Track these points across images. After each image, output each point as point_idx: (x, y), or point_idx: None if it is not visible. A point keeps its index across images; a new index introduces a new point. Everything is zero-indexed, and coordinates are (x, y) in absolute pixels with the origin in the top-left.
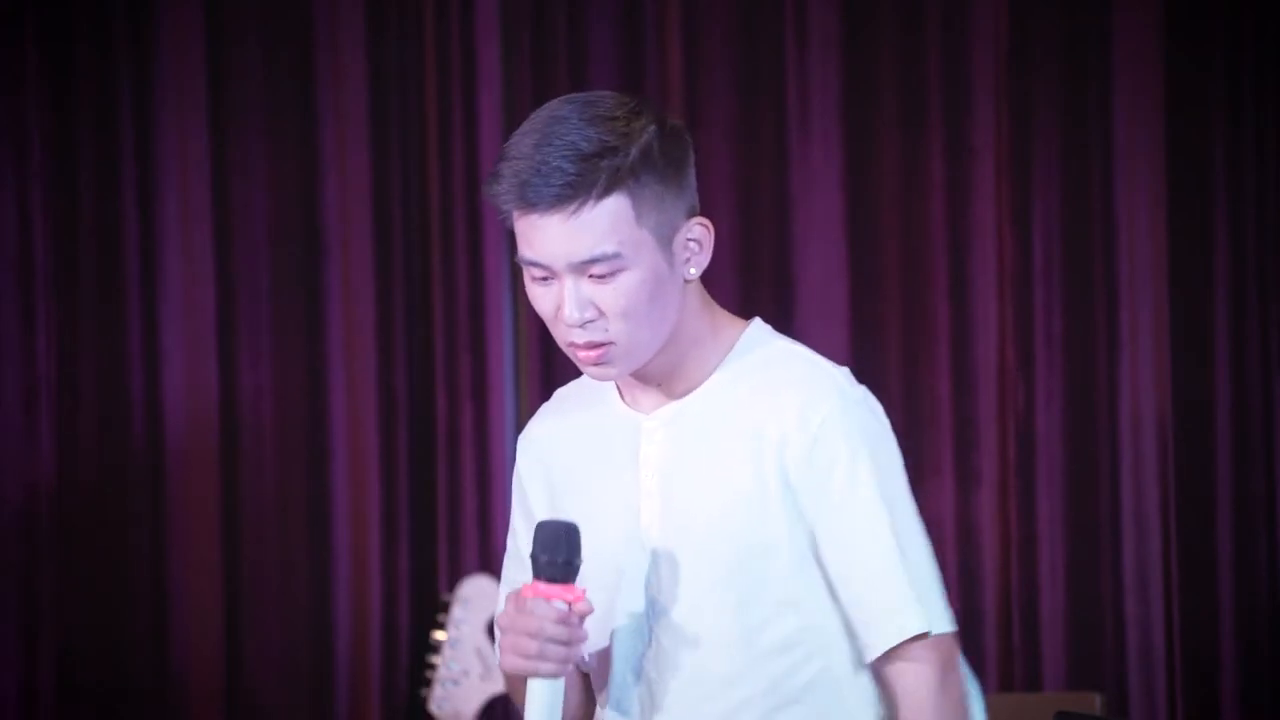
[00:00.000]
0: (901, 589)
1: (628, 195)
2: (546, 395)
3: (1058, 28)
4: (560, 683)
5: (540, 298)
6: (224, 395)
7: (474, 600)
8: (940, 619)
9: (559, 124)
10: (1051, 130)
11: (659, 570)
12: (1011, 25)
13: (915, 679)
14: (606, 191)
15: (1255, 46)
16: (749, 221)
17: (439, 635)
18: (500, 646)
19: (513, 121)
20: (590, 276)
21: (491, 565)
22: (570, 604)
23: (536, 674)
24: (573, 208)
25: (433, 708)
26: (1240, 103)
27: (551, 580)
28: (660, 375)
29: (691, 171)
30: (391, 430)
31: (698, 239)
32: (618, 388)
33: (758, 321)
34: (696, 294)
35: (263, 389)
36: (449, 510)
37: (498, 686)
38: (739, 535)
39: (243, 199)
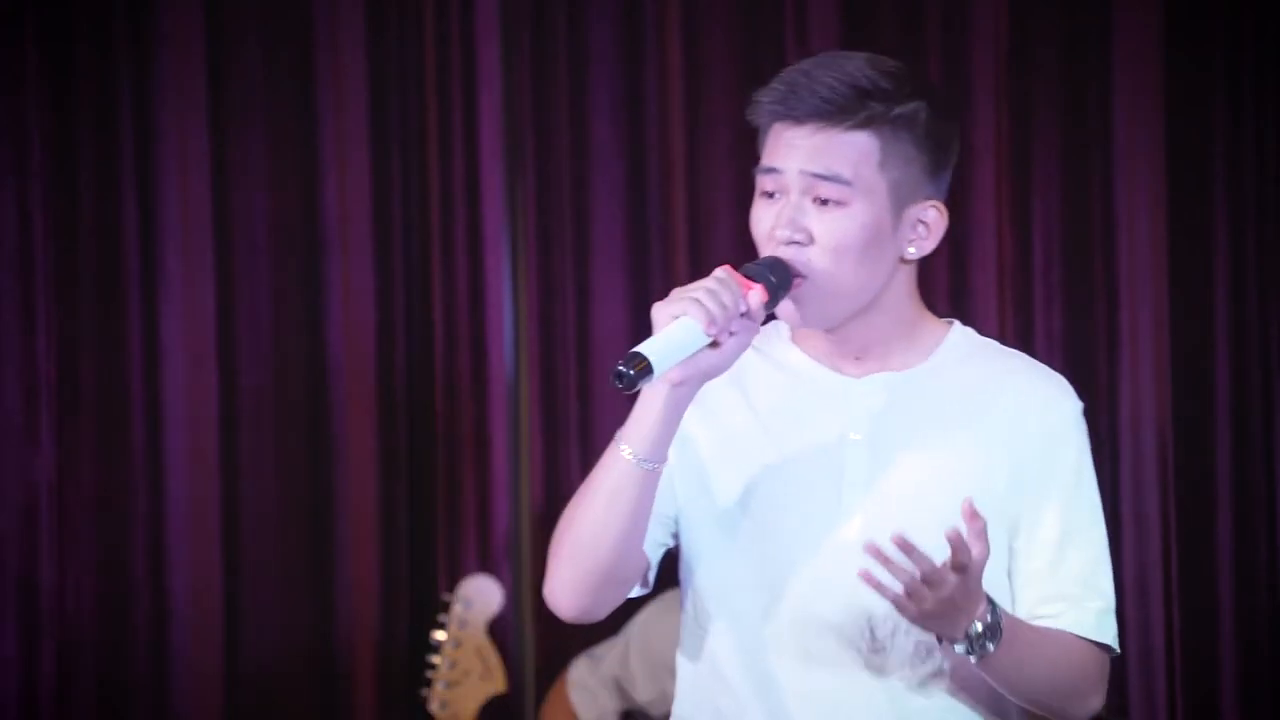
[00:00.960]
0: (1105, 595)
1: (879, 139)
2: (546, 395)
3: (1058, 28)
4: (699, 333)
5: (760, 217)
6: (224, 395)
7: (474, 600)
8: (1115, 639)
9: (843, 57)
10: (1051, 130)
11: (861, 528)
12: (1011, 25)
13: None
14: (862, 125)
15: (1255, 46)
16: (748, 221)
17: (439, 635)
18: (665, 299)
19: (513, 121)
20: (816, 200)
21: (491, 565)
22: (748, 291)
23: (685, 312)
24: (826, 124)
25: (433, 708)
26: (1240, 103)
27: (746, 276)
28: (873, 346)
29: (950, 161)
30: (391, 430)
31: (929, 222)
32: (813, 357)
33: (958, 323)
34: (909, 280)
35: (263, 389)
36: (449, 510)
37: (498, 686)
38: (958, 505)
39: (243, 199)
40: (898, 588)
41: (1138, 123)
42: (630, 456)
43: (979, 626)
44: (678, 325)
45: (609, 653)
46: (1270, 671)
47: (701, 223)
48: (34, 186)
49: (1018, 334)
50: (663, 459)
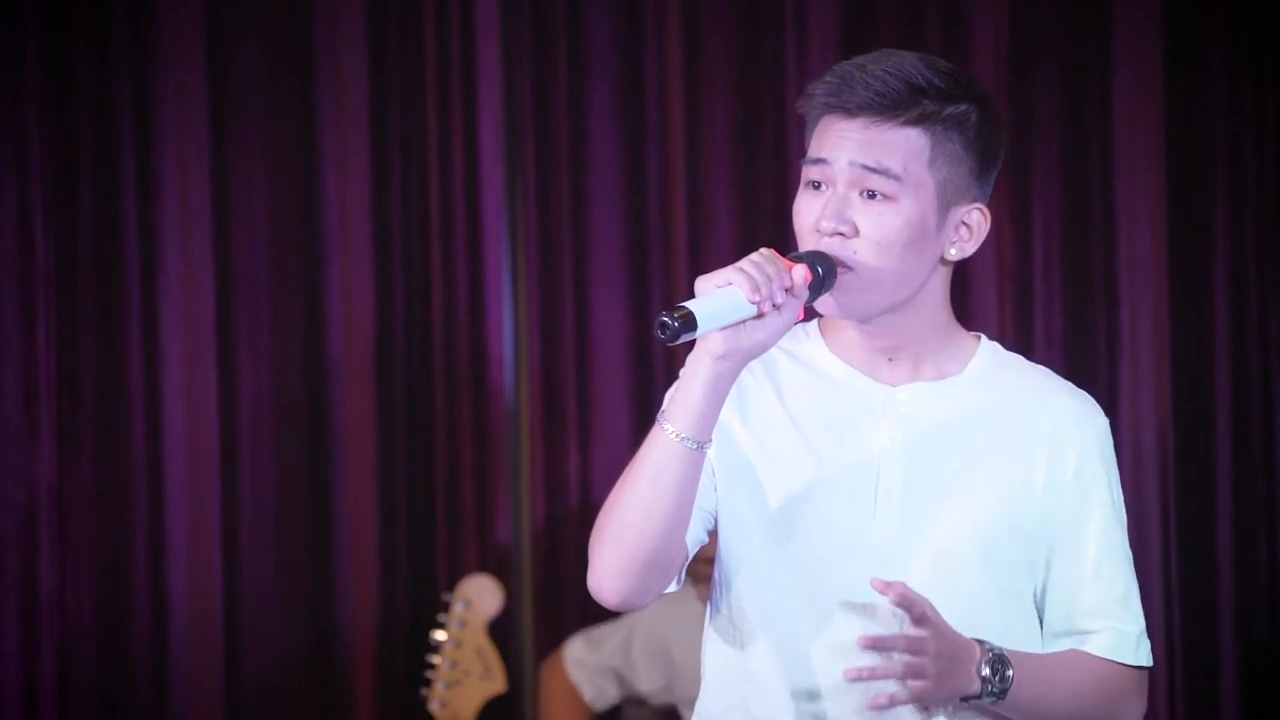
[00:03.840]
0: (1139, 617)
1: (930, 137)
2: (546, 395)
3: (1058, 28)
4: (743, 301)
5: (804, 209)
6: (224, 395)
7: (474, 600)
8: (1151, 657)
9: (897, 54)
10: (1051, 130)
11: (894, 536)
12: (1011, 25)
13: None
14: (913, 122)
15: (1255, 47)
16: (749, 221)
17: (439, 635)
18: (709, 273)
19: (513, 121)
20: (863, 193)
21: (491, 565)
22: (791, 268)
23: (729, 281)
24: (878, 118)
25: (432, 707)
26: (1240, 103)
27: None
28: (906, 347)
29: (995, 166)
30: (391, 430)
31: (972, 225)
32: (846, 362)
33: (984, 335)
34: (946, 283)
35: (263, 389)
36: (449, 510)
37: (497, 686)
38: (996, 521)
39: (243, 199)
40: (896, 687)
41: (1138, 123)
42: (674, 435)
43: (986, 669)
44: (722, 292)
45: (607, 638)
46: (1270, 671)
47: (701, 223)
48: (34, 186)
49: (1018, 334)
50: (707, 438)
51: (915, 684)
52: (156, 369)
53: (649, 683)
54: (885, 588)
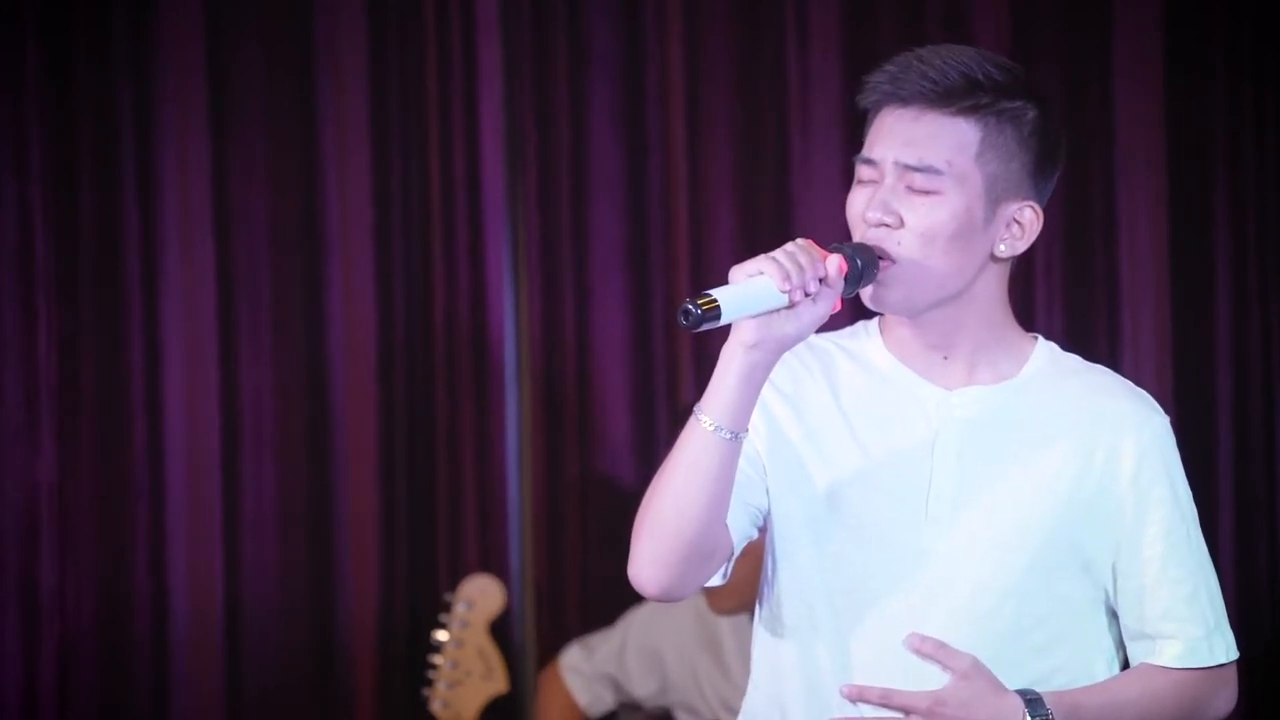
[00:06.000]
0: (1207, 616)
1: (981, 129)
2: (546, 395)
3: (1058, 28)
4: (773, 291)
5: (855, 200)
6: (224, 395)
7: (475, 600)
8: (1234, 646)
9: (959, 48)
10: None
11: (944, 539)
12: (1011, 25)
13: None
14: (966, 113)
15: (1255, 47)
16: (749, 221)
17: (440, 635)
18: (743, 262)
19: (513, 121)
20: (908, 188)
21: (492, 565)
22: (826, 258)
23: (761, 270)
24: (930, 107)
25: (434, 708)
26: (1240, 103)
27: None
28: (960, 345)
29: (1054, 167)
30: (391, 430)
31: (1023, 222)
32: (901, 361)
33: (1042, 337)
34: (1000, 282)
35: (263, 389)
36: (449, 510)
37: (499, 686)
38: (1048, 526)
39: (243, 199)
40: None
41: (1138, 123)
42: (709, 426)
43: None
44: (753, 281)
45: (602, 645)
46: (1270, 672)
47: (701, 223)
48: (34, 186)
49: None
50: (742, 428)
51: None
52: (157, 369)
53: (643, 688)
54: (921, 643)
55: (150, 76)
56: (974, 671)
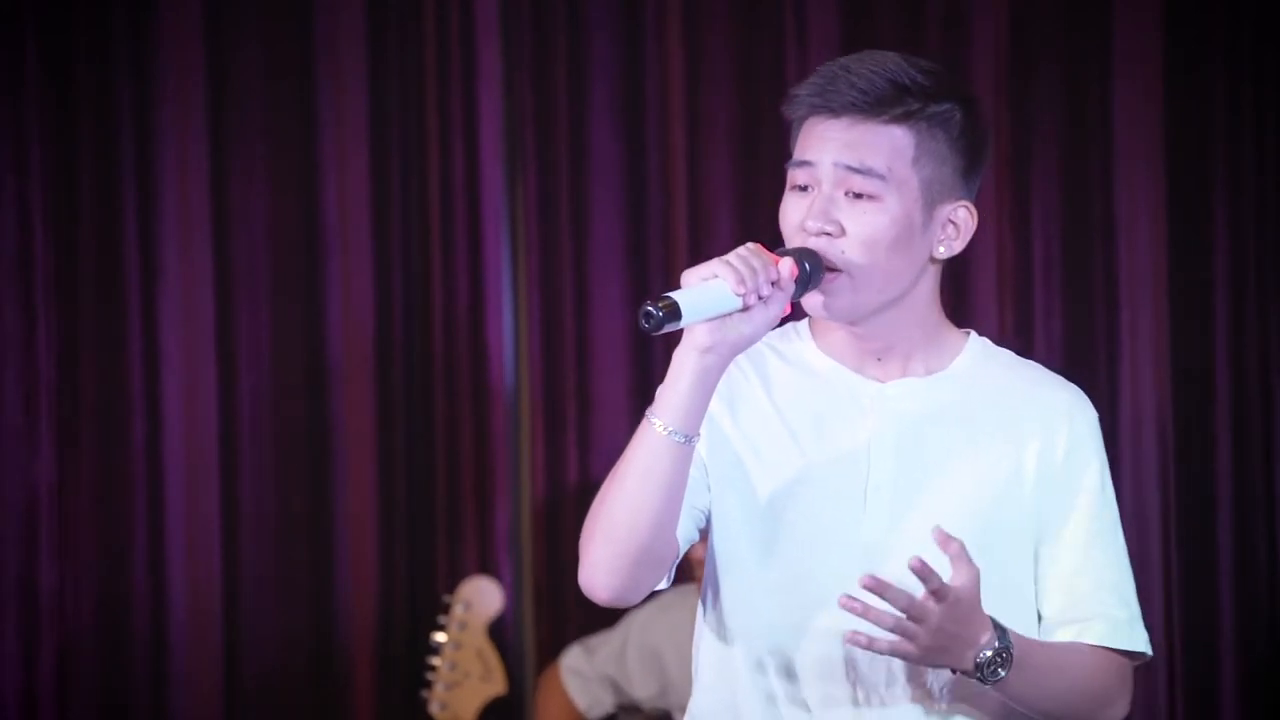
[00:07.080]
0: (1130, 603)
1: (914, 135)
2: (546, 395)
3: (1058, 28)
4: (728, 294)
5: (790, 210)
6: (224, 396)
7: (474, 601)
8: (1147, 644)
9: (881, 54)
10: (1051, 130)
11: (885, 532)
12: (1011, 26)
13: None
14: (898, 120)
15: (1254, 47)
16: (749, 221)
17: (439, 637)
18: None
19: (513, 121)
20: (848, 193)
21: (491, 566)
22: (778, 262)
23: (715, 274)
24: (862, 117)
25: (432, 709)
26: (1240, 103)
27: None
28: (896, 346)
29: (981, 164)
30: (390, 431)
31: (958, 222)
32: (832, 358)
33: (974, 332)
34: (935, 282)
35: (263, 389)
36: (449, 510)
37: (498, 688)
38: (988, 514)
39: (242, 199)
40: (888, 635)
41: (1138, 123)
42: (662, 429)
43: (987, 654)
44: (708, 284)
45: (602, 647)
46: (1270, 671)
47: (701, 223)
48: (34, 186)
49: (1018, 334)
50: (694, 431)
51: (900, 644)
52: (156, 369)
53: (643, 689)
54: (948, 542)
55: (150, 76)
56: (975, 585)
